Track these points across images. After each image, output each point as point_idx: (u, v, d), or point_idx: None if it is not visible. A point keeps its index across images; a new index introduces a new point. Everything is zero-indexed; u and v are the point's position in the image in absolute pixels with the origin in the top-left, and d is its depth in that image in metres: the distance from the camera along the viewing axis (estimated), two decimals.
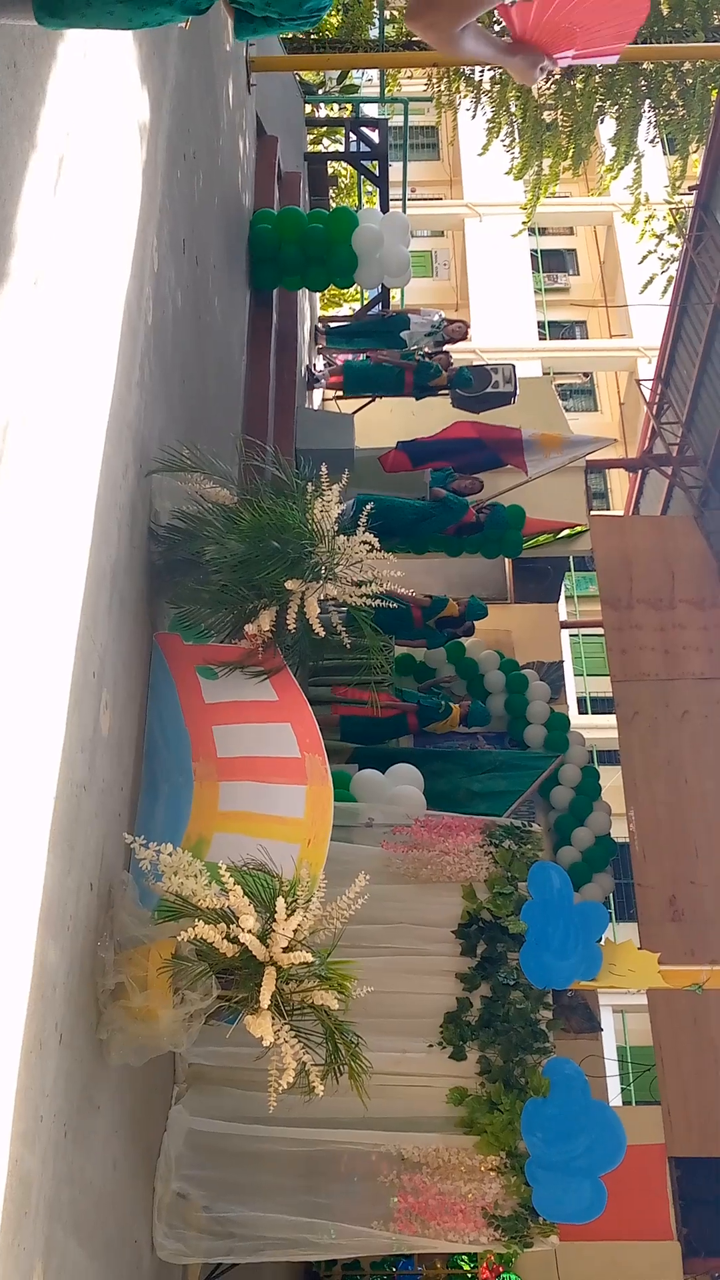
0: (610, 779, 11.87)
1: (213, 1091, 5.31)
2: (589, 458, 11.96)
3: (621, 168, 14.62)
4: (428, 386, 10.61)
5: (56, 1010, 3.49)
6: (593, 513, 12.51)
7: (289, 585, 4.59)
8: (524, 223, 15.88)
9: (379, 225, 8.94)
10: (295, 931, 3.80)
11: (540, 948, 5.54)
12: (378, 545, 4.77)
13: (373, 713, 8.92)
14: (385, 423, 12.10)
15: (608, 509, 23.16)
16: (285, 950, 3.77)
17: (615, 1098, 11.02)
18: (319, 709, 8.88)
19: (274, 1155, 5.18)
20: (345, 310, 15.73)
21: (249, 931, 3.72)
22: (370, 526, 4.79)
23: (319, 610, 4.66)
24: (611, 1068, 10.62)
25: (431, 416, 11.64)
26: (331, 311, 15.48)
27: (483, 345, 22.19)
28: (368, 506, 4.96)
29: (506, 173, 15.01)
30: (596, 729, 15.88)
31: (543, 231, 27.26)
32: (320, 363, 11.18)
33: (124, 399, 4.29)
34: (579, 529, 12.08)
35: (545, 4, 2.04)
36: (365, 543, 4.70)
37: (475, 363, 11.98)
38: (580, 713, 20.33)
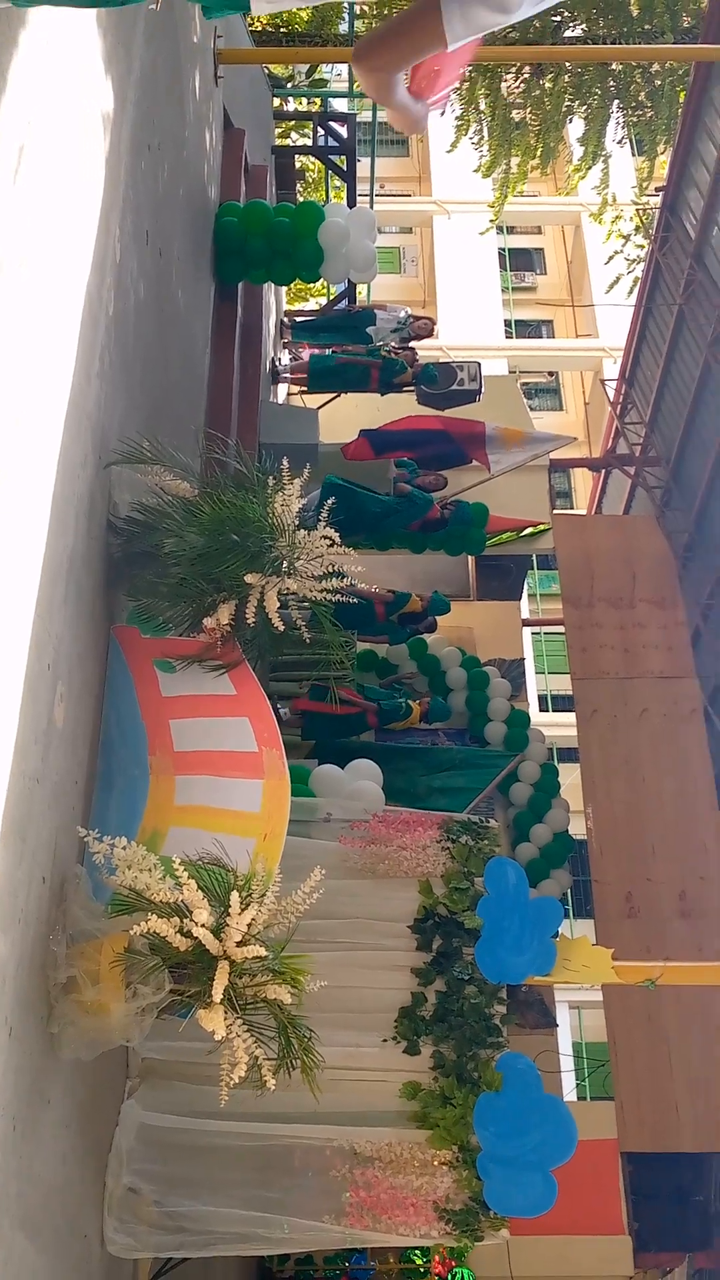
0: (569, 776, 11.95)
1: (165, 1086, 5.29)
2: (552, 456, 12.02)
3: (589, 167, 14.69)
4: (393, 383, 10.64)
5: (6, 1004, 3.47)
6: (555, 511, 12.59)
7: (248, 579, 4.58)
8: (492, 220, 15.92)
9: (345, 220, 8.94)
10: (249, 926, 3.80)
11: (495, 943, 5.56)
12: (339, 540, 4.77)
13: (333, 709, 8.92)
14: (350, 418, 12.09)
15: (571, 508, 23.26)
16: (239, 944, 3.77)
17: (570, 1093, 11.10)
18: (280, 703, 8.91)
19: (226, 1150, 5.17)
20: (311, 305, 15.70)
21: (203, 925, 3.72)
22: (333, 520, 4.79)
23: (278, 605, 4.66)
24: (566, 1063, 10.67)
25: (397, 413, 11.63)
26: (297, 306, 15.45)
27: (449, 342, 22.23)
28: (329, 502, 4.94)
29: (475, 170, 15.04)
30: (556, 726, 15.96)
31: (510, 230, 27.34)
32: (285, 357, 11.16)
33: (83, 389, 4.26)
34: (542, 527, 12.16)
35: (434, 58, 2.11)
36: (326, 537, 4.70)
37: (441, 360, 12.00)
38: (541, 710, 20.42)
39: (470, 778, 9.38)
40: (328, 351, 11.17)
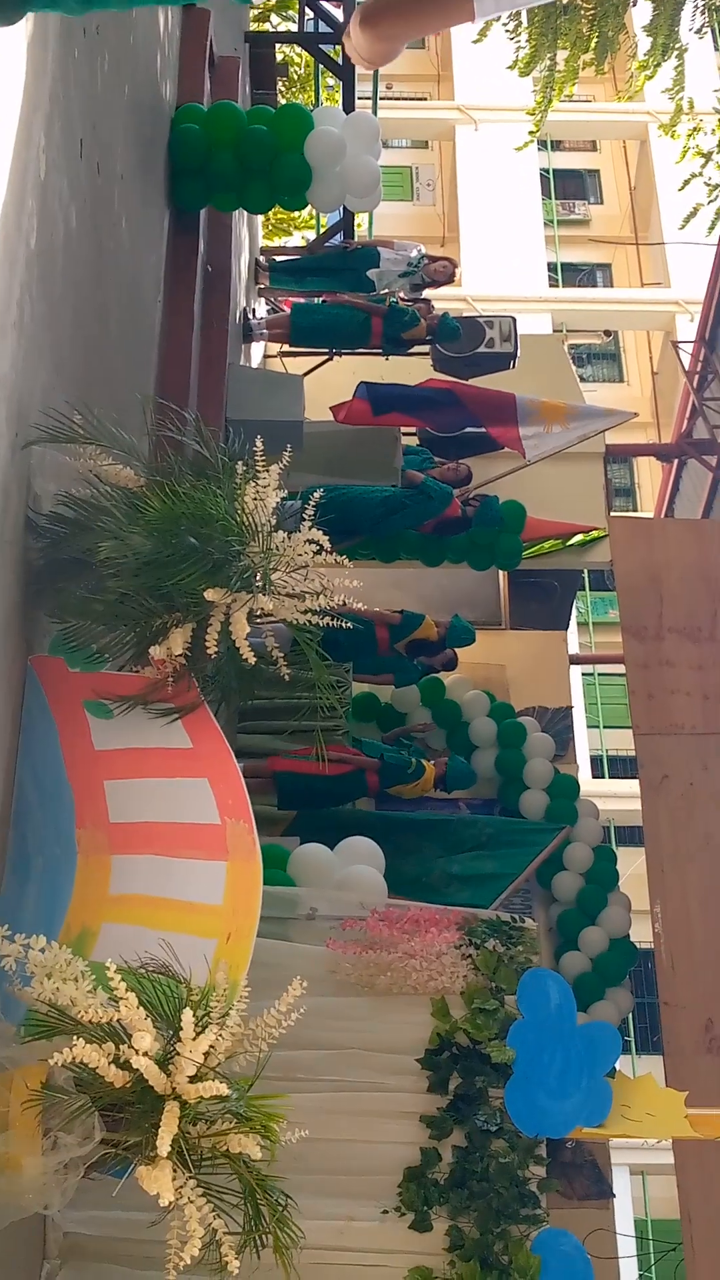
0: (631, 864, 11.94)
1: (94, 1270, 5.28)
2: (609, 439, 12.11)
3: (658, 65, 14.84)
4: (401, 339, 10.69)
5: None
6: (614, 514, 12.66)
7: (209, 595, 4.59)
8: (531, 132, 16.05)
9: (340, 129, 9.01)
10: (206, 1055, 3.79)
11: (532, 1083, 5.55)
12: (328, 546, 4.80)
13: (320, 769, 8.93)
14: (344, 387, 12.18)
15: (634, 510, 23.39)
16: (192, 1080, 3.76)
17: None
18: (248, 762, 8.93)
19: None
20: (296, 242, 15.83)
21: (144, 1054, 3.70)
22: (323, 522, 4.82)
23: (248, 630, 4.67)
24: (627, 1246, 10.60)
25: (404, 379, 11.72)
26: (278, 242, 15.58)
27: (476, 291, 22.43)
28: (316, 495, 4.98)
29: (510, 67, 15.20)
30: (614, 797, 16.02)
31: (557, 146, 27.67)
32: (261, 308, 11.25)
33: None
34: (596, 534, 12.22)
35: None
36: (312, 541, 4.73)
37: (466, 314, 12.12)
38: (594, 775, 20.49)
39: (503, 861, 9.36)
40: (316, 300, 11.25)
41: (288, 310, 11.25)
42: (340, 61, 12.04)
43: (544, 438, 11.01)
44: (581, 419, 11.35)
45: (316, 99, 14.19)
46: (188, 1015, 3.76)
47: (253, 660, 4.73)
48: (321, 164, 8.91)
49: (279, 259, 12.35)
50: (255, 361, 11.97)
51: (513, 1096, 5.56)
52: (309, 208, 10.55)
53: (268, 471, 4.80)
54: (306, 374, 11.27)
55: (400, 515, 9.98)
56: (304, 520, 4.79)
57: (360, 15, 2.33)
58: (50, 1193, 3.90)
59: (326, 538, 4.79)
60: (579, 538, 12.20)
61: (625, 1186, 17.05)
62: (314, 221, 15.16)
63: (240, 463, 4.84)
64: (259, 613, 4.78)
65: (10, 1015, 4.01)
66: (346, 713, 10.06)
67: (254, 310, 11.36)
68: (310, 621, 4.82)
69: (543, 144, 25.84)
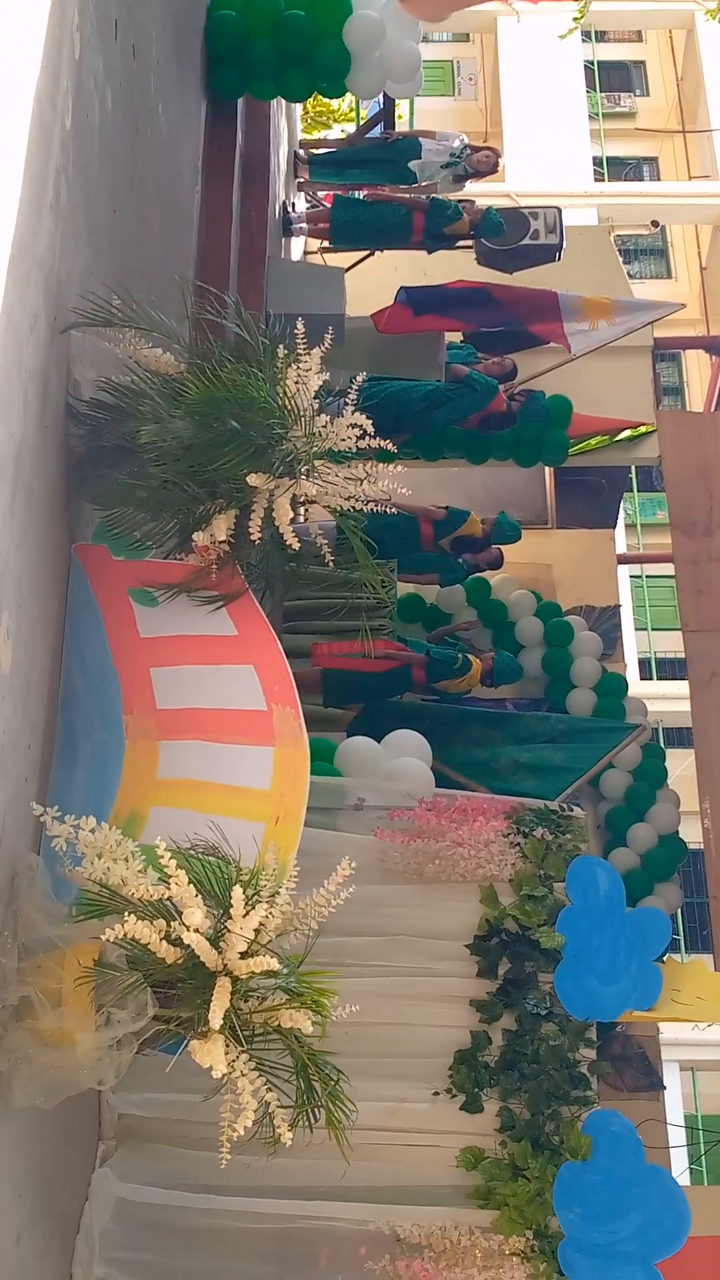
0: (680, 764, 11.92)
1: (149, 1151, 5.37)
2: (657, 333, 11.93)
3: None
4: (443, 234, 10.53)
5: None
6: (662, 409, 12.50)
7: (252, 481, 4.57)
8: (575, 19, 15.68)
9: (380, 13, 8.86)
10: (256, 932, 3.82)
11: (581, 967, 5.59)
12: (371, 431, 4.75)
13: (366, 666, 8.92)
14: (387, 284, 12.03)
15: (683, 408, 23.11)
16: (243, 956, 3.79)
17: (680, 1176, 11.15)
18: (295, 664, 8.93)
19: (229, 1234, 5.24)
20: (336, 135, 15.61)
21: (195, 930, 3.74)
22: (364, 407, 4.77)
23: (292, 515, 4.65)
24: (677, 1137, 10.71)
25: (448, 275, 11.57)
26: (318, 135, 15.36)
27: (519, 186, 22.05)
28: (358, 379, 4.92)
29: None
30: (663, 698, 15.97)
31: (601, 37, 27.09)
32: (301, 202, 11.11)
33: (31, 226, 4.25)
34: (644, 429, 12.06)
35: None
36: (356, 425, 4.68)
37: (509, 206, 11.91)
38: (642, 677, 20.44)
39: (573, 754, 9.23)
40: (357, 195, 11.09)
41: (328, 205, 11.08)
42: None
43: (589, 334, 10.80)
44: (627, 313, 11.13)
45: None
46: (238, 892, 3.78)
47: (297, 546, 4.71)
48: (361, 49, 8.79)
49: (318, 152, 12.17)
50: (296, 256, 11.84)
51: (562, 980, 5.60)
52: (348, 95, 10.37)
53: (309, 355, 4.75)
54: (348, 270, 11.13)
55: (444, 409, 9.88)
56: (348, 405, 4.74)
57: None
58: (104, 1068, 3.96)
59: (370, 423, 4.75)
60: (627, 433, 12.03)
61: (675, 1082, 17.21)
62: (354, 115, 14.92)
63: (281, 346, 4.79)
64: (303, 499, 4.76)
65: (61, 895, 4.06)
66: (391, 613, 10.02)
67: (293, 205, 11.21)
68: (354, 508, 4.80)
69: (586, 35, 25.32)
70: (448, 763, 8.65)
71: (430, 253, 11.36)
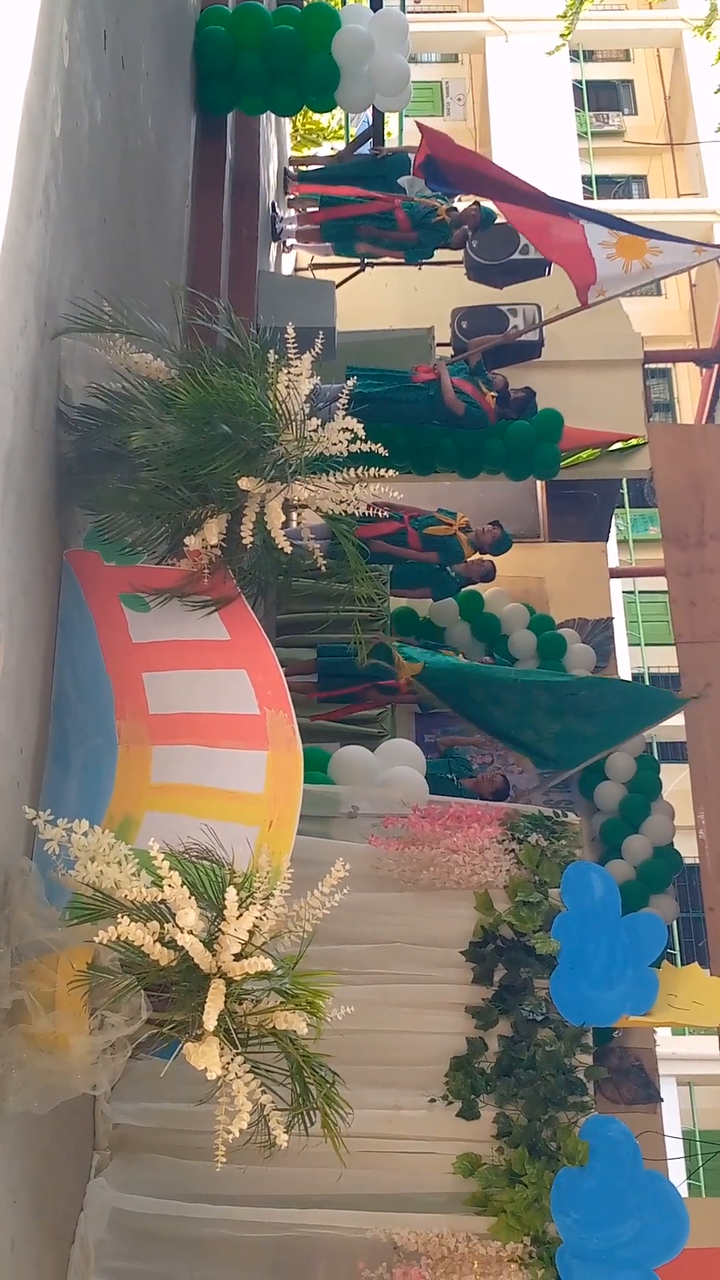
0: (674, 777, 11.91)
1: (144, 1160, 5.34)
2: (646, 347, 11.95)
3: None
4: (431, 224, 10.41)
5: None
6: (653, 423, 12.54)
7: (243, 484, 4.57)
8: (563, 35, 15.76)
9: (368, 27, 8.89)
10: (250, 933, 3.81)
11: (577, 973, 5.57)
12: (363, 435, 4.75)
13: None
14: (377, 300, 12.10)
15: (674, 422, 23.15)
16: (237, 958, 3.78)
17: (678, 1188, 11.12)
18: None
19: (225, 1243, 5.21)
20: (325, 153, 15.66)
21: (189, 932, 3.72)
22: (356, 411, 4.77)
23: (283, 519, 4.65)
24: (674, 1149, 10.69)
25: (438, 291, 11.62)
26: (307, 152, 15.42)
27: None
28: (350, 383, 4.93)
29: None
30: None
31: (590, 56, 27.19)
32: (291, 213, 11.14)
33: (21, 231, 4.25)
34: (635, 442, 12.09)
35: None
36: (346, 429, 4.69)
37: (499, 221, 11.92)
38: None
39: (606, 723, 8.85)
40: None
41: (314, 209, 11.08)
42: None
43: (620, 279, 10.16)
44: (664, 256, 10.42)
45: (343, 3, 13.97)
46: (231, 894, 3.77)
47: (289, 549, 4.71)
48: (349, 63, 8.82)
49: (308, 168, 12.21)
50: (287, 270, 11.88)
51: (558, 986, 5.58)
52: (338, 112, 10.40)
53: (299, 360, 4.76)
54: (339, 285, 11.17)
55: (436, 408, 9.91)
56: (338, 408, 4.74)
57: None
58: (98, 1072, 3.94)
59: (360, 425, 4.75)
60: (618, 446, 12.07)
61: (673, 1097, 17.16)
62: (343, 132, 14.97)
63: (272, 352, 4.79)
64: (295, 503, 4.77)
65: (54, 898, 4.05)
66: (385, 628, 10.00)
67: (282, 216, 11.23)
68: (346, 512, 4.80)
69: (574, 55, 25.43)
70: (479, 722, 8.84)
71: (420, 266, 11.39)
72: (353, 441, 4.74)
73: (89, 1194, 5.09)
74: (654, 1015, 5.57)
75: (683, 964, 16.78)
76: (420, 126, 10.03)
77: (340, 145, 14.80)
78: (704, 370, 14.58)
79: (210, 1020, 3.69)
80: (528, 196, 9.35)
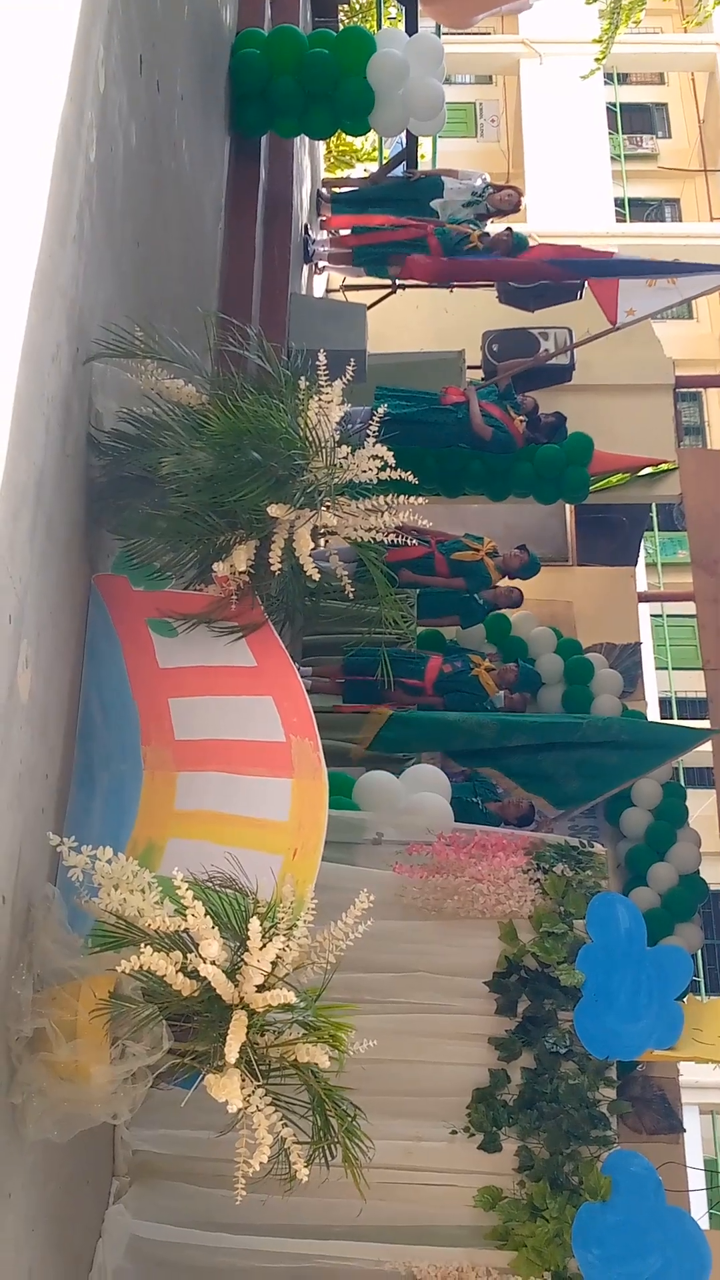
0: (701, 804, 11.85)
1: (163, 1188, 5.33)
2: (677, 372, 11.92)
3: None
4: (462, 249, 10.41)
5: None
6: (683, 447, 12.51)
7: (273, 511, 4.57)
8: (597, 60, 15.79)
9: (404, 51, 8.91)
10: (273, 965, 3.79)
11: (602, 1006, 5.52)
12: (393, 462, 4.75)
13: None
14: (408, 322, 12.09)
15: (704, 447, 23.10)
16: (260, 989, 3.76)
17: (700, 1219, 11.03)
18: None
19: (242, 1273, 5.20)
20: (359, 174, 15.72)
21: (212, 963, 3.71)
22: (386, 437, 4.77)
23: (312, 545, 4.64)
24: (697, 1180, 10.60)
25: (469, 314, 11.61)
26: (340, 174, 15.48)
27: (541, 227, 22.10)
28: (380, 410, 4.93)
29: None
30: None
31: (624, 79, 27.18)
32: (323, 235, 11.16)
33: (55, 257, 4.27)
34: (665, 467, 12.06)
35: None
36: (376, 457, 4.68)
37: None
38: (663, 715, 20.32)
39: (628, 757, 8.77)
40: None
41: (350, 230, 11.11)
42: None
43: (646, 295, 10.20)
44: (691, 273, 10.42)
45: (378, 27, 14.02)
46: (254, 924, 3.75)
47: (317, 577, 4.70)
48: (384, 87, 8.83)
49: (341, 190, 12.24)
50: (318, 292, 11.90)
51: (582, 1019, 5.54)
52: (371, 134, 10.43)
53: (330, 387, 4.76)
54: (370, 307, 11.18)
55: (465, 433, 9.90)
56: (369, 434, 4.74)
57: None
58: (118, 1102, 3.93)
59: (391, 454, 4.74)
60: (648, 470, 12.04)
61: (695, 1126, 17.04)
62: (376, 154, 15.02)
63: (303, 379, 4.79)
64: (323, 529, 4.76)
65: (77, 926, 4.04)
66: (412, 648, 9.98)
67: (314, 238, 11.25)
68: (376, 538, 4.79)
69: (609, 77, 25.41)
70: (495, 768, 8.65)
71: (451, 290, 11.39)
72: (383, 469, 4.74)
73: (107, 1221, 5.08)
74: (678, 1050, 5.53)
75: (707, 991, 16.72)
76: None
77: (374, 167, 14.85)
78: None
79: (232, 1052, 3.67)
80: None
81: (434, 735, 8.72)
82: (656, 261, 10.10)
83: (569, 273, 10.49)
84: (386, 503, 4.74)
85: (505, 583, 10.15)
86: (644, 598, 14.88)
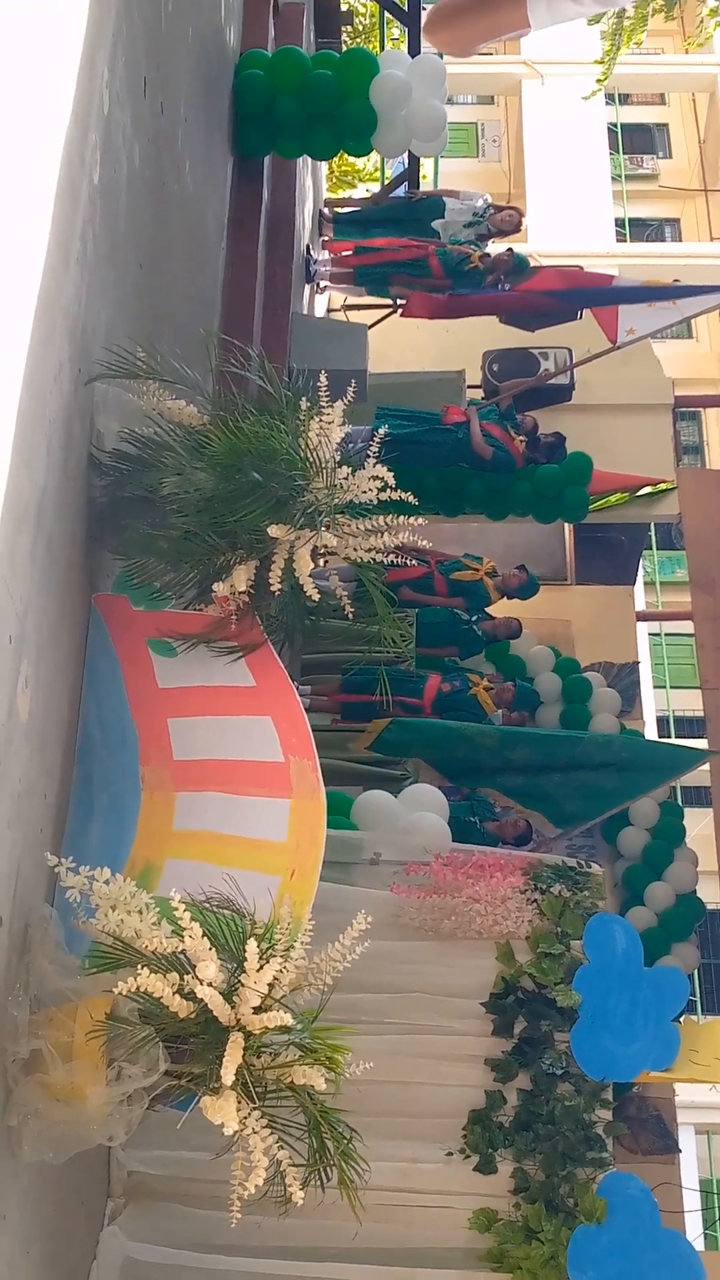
0: (698, 823, 11.83)
1: (158, 1210, 5.31)
2: (676, 392, 11.94)
3: None
4: (463, 271, 10.46)
5: None
6: (682, 467, 12.51)
7: (273, 532, 4.57)
8: (599, 81, 15.85)
9: (406, 73, 8.94)
10: (270, 987, 3.78)
11: (598, 1027, 5.52)
12: (393, 483, 4.75)
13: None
14: (409, 341, 12.09)
15: (703, 467, 23.11)
16: (256, 1011, 3.76)
17: (695, 1240, 10.99)
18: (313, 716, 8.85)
19: None
20: (361, 194, 15.75)
21: (209, 985, 3.70)
22: (387, 457, 4.77)
23: (312, 567, 4.64)
24: (692, 1202, 10.57)
25: (470, 333, 11.61)
26: (342, 194, 15.51)
27: (542, 248, 22.15)
28: (381, 431, 4.93)
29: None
30: None
31: (625, 100, 27.26)
32: (325, 255, 11.17)
33: (58, 278, 4.28)
34: (664, 486, 12.07)
35: None
36: (376, 478, 4.68)
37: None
38: (660, 733, 20.29)
39: (627, 779, 8.76)
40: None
41: (353, 249, 11.12)
42: (405, 8, 11.90)
43: (646, 315, 10.23)
44: (690, 294, 10.45)
45: (381, 48, 14.06)
46: (252, 946, 3.75)
47: (316, 597, 4.70)
48: (387, 108, 8.86)
49: (343, 210, 12.26)
50: (320, 311, 11.91)
51: (579, 1040, 5.53)
52: (373, 155, 10.46)
53: (331, 408, 4.76)
54: (371, 326, 11.19)
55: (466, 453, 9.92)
56: (369, 455, 4.74)
57: (427, 25, 2.37)
58: (114, 1124, 3.92)
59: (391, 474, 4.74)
60: (647, 490, 12.04)
61: (691, 1146, 16.99)
62: (378, 174, 15.05)
63: (304, 399, 4.80)
64: (323, 550, 4.76)
65: (74, 947, 4.03)
66: (410, 667, 9.96)
67: (315, 258, 11.27)
68: (375, 558, 4.79)
69: (610, 98, 25.47)
70: (494, 787, 8.65)
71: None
72: (383, 489, 4.74)
73: (102, 1242, 5.06)
74: (675, 1071, 5.53)
75: (704, 1010, 16.68)
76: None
77: (375, 187, 14.88)
78: None
79: (228, 1074, 3.66)
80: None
81: (435, 741, 8.71)
82: (655, 288, 10.11)
83: (567, 305, 10.54)
84: (386, 523, 4.75)
85: (504, 617, 10.18)
86: (642, 616, 14.88)
